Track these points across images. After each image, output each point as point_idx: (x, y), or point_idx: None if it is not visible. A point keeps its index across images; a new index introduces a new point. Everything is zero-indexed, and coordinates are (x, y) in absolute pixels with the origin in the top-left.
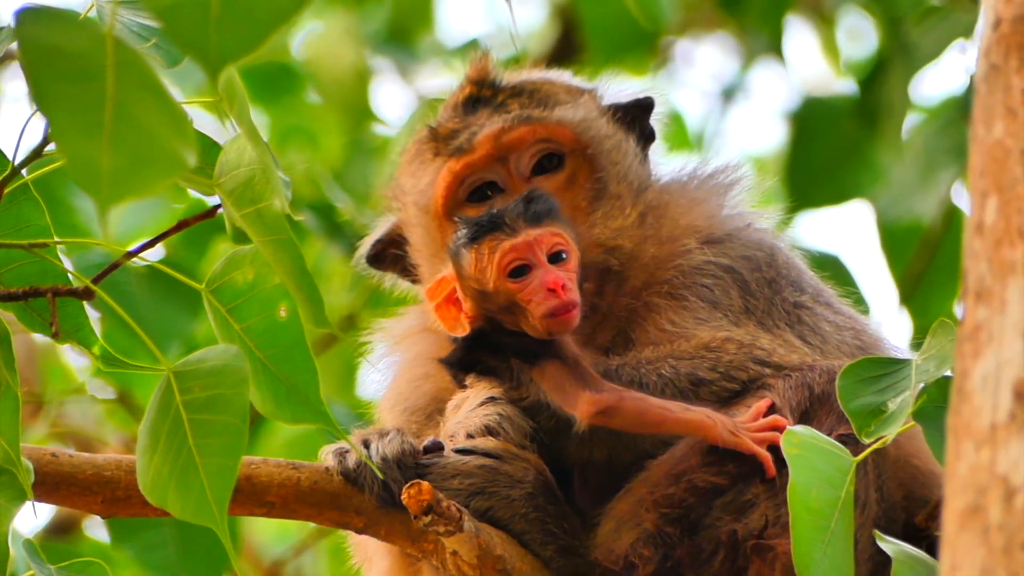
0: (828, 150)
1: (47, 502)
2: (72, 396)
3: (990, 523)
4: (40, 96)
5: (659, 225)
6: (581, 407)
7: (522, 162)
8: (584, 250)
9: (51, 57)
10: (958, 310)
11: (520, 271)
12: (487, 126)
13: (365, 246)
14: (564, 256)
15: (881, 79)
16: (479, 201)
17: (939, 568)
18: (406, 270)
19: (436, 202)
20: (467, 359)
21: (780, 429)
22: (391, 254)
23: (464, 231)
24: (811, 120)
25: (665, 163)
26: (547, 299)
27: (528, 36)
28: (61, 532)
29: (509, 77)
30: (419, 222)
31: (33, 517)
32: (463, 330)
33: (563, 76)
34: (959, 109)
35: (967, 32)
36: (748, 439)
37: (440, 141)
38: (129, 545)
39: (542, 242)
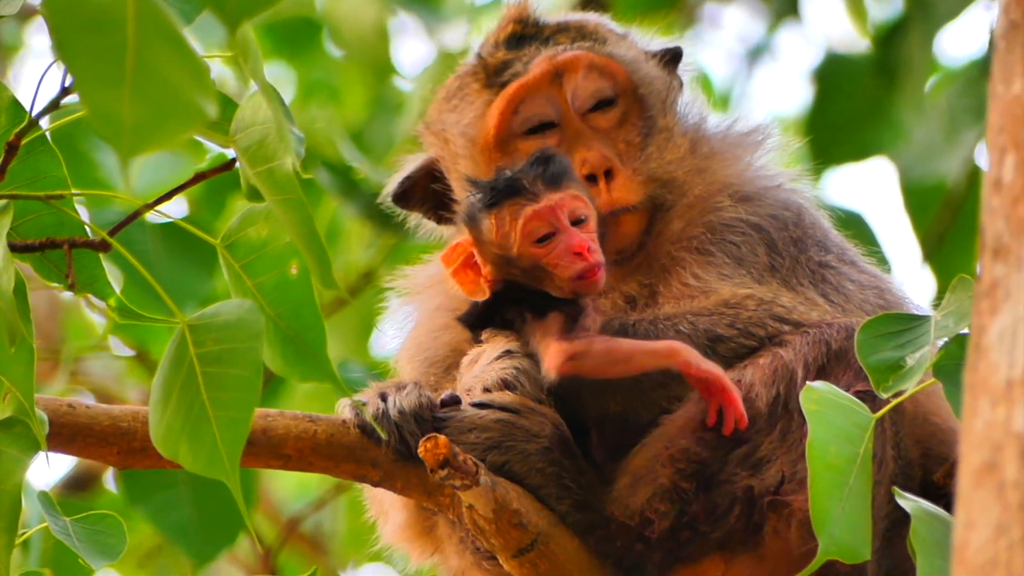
0: (850, 106)
1: (63, 453)
2: (93, 352)
3: (1005, 480)
4: (61, 45)
5: (708, 161)
6: (549, 358)
7: (579, 96)
8: (642, 184)
9: (73, 6)
10: (978, 268)
11: (544, 236)
12: (542, 53)
13: (393, 183)
14: (584, 218)
15: (901, 36)
16: (533, 133)
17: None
18: (432, 210)
19: (488, 132)
20: (485, 317)
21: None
22: (420, 192)
23: (480, 195)
24: (833, 76)
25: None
26: (574, 262)
27: None
28: (80, 487)
29: (551, 17)
30: (467, 154)
31: (47, 468)
32: (483, 294)
33: (602, 19)
34: (982, 68)
35: None
36: (718, 370)
37: (490, 72)
38: (143, 505)
39: (564, 206)
